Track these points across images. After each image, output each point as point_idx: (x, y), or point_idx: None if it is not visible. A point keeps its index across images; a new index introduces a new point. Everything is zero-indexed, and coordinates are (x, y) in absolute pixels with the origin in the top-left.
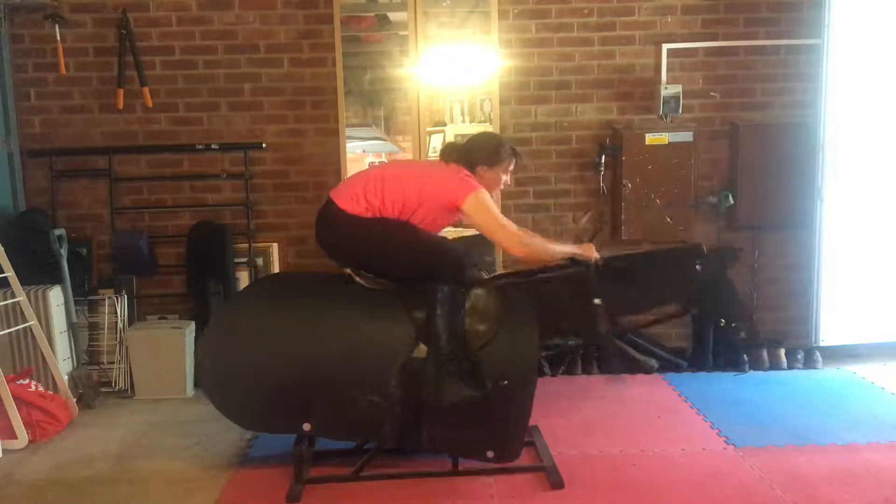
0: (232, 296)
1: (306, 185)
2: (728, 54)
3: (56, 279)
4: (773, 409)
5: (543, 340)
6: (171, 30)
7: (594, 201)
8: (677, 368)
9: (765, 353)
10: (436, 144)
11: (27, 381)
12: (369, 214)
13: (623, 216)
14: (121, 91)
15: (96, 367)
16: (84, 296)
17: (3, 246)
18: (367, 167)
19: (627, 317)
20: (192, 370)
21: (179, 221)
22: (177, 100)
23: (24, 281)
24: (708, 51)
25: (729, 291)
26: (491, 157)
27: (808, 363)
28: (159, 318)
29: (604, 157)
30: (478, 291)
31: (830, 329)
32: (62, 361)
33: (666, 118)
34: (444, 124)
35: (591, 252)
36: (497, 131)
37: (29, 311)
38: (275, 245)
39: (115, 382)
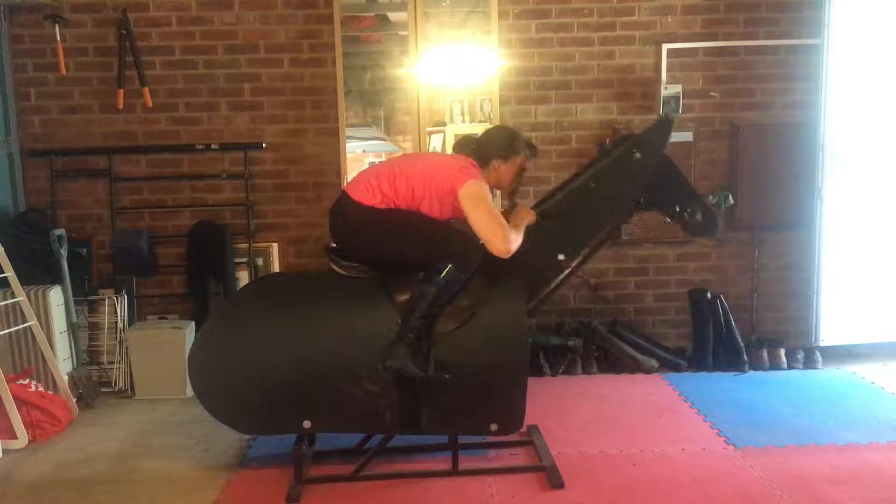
0: (227, 300)
1: (306, 185)
2: (728, 54)
3: (56, 279)
4: (773, 409)
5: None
6: (171, 30)
7: None
8: (677, 368)
9: (765, 353)
10: (436, 144)
11: (27, 381)
12: (384, 205)
13: None
14: (121, 91)
15: (96, 367)
16: (84, 296)
17: (3, 246)
18: (367, 166)
19: (597, 237)
20: None
21: (179, 221)
22: (177, 100)
23: (24, 281)
24: (708, 51)
25: (675, 174)
26: (505, 150)
27: (808, 363)
28: (159, 318)
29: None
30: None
31: (830, 329)
32: (62, 361)
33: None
34: (444, 124)
35: (530, 214)
36: (512, 127)
37: (29, 311)
38: (275, 245)
39: (115, 382)
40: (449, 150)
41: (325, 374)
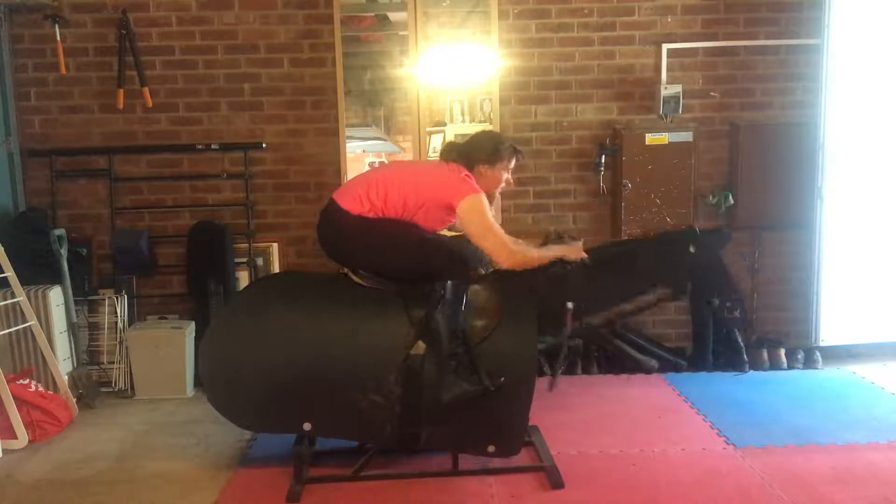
0: (232, 297)
1: (306, 185)
2: (728, 54)
3: (56, 279)
4: (773, 409)
5: (545, 333)
6: (171, 30)
7: (594, 201)
8: (677, 368)
9: (765, 353)
10: (436, 144)
11: (27, 381)
12: (372, 215)
13: (623, 216)
14: (121, 91)
15: (96, 367)
16: (84, 296)
17: (3, 246)
18: (367, 167)
19: (618, 305)
20: (192, 370)
21: (179, 221)
22: (177, 100)
23: (24, 281)
24: (708, 51)
25: (721, 270)
26: (491, 156)
27: (808, 363)
28: (159, 318)
29: (604, 157)
30: (477, 287)
31: (830, 329)
32: (62, 361)
33: (666, 118)
34: (444, 124)
35: (578, 252)
36: (497, 131)
37: (29, 311)
38: (275, 245)
39: (115, 382)
40: None
41: (331, 379)
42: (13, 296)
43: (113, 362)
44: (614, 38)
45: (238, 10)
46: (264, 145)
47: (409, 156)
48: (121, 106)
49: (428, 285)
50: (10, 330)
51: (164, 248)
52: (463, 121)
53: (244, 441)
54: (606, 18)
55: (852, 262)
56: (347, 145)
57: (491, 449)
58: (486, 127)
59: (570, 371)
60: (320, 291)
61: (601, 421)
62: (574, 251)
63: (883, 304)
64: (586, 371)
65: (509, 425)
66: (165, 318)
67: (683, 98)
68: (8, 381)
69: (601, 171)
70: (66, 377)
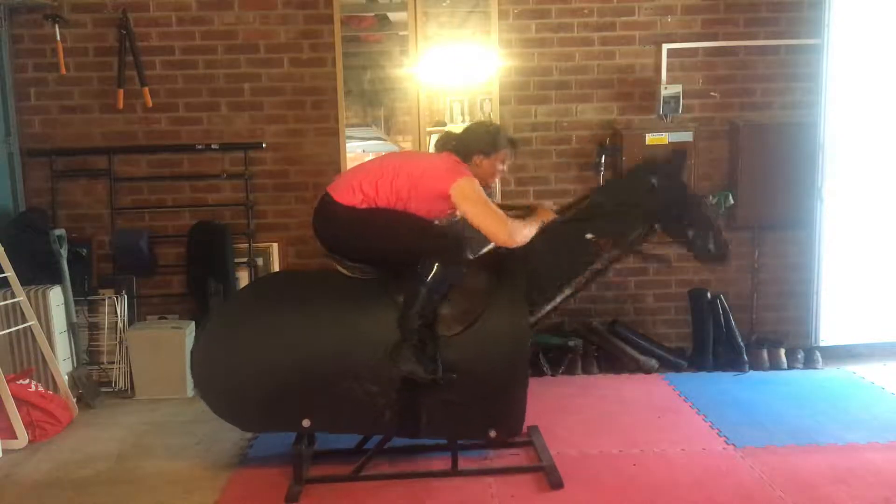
0: (230, 297)
1: (306, 185)
2: (728, 54)
3: (56, 279)
4: (773, 409)
5: (543, 303)
6: (171, 30)
7: None
8: (677, 368)
9: (765, 353)
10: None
11: (27, 381)
12: (365, 205)
13: None
14: (121, 91)
15: (96, 367)
16: (84, 296)
17: (3, 246)
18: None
19: (601, 253)
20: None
21: (179, 221)
22: (177, 100)
23: (24, 281)
24: (708, 51)
25: (690, 199)
26: (487, 146)
27: (808, 363)
28: (159, 318)
29: (604, 157)
30: (467, 270)
31: (830, 329)
32: (62, 361)
33: (666, 118)
34: (444, 124)
35: (548, 213)
36: (492, 122)
37: (29, 311)
38: (275, 245)
39: (115, 382)
40: None
41: (326, 373)
42: (13, 296)
43: (113, 362)
44: (614, 38)
45: (238, 10)
46: (264, 145)
47: None
48: (121, 106)
49: (414, 267)
50: (10, 330)
51: (164, 248)
52: (463, 121)
53: (244, 441)
54: (606, 18)
55: (852, 262)
56: (347, 145)
57: (492, 433)
58: None
59: (570, 371)
60: (310, 287)
61: (601, 421)
62: (543, 214)
63: (883, 304)
64: (586, 371)
65: (509, 409)
66: (165, 318)
67: (683, 98)
68: (8, 381)
69: (601, 171)
70: (66, 377)
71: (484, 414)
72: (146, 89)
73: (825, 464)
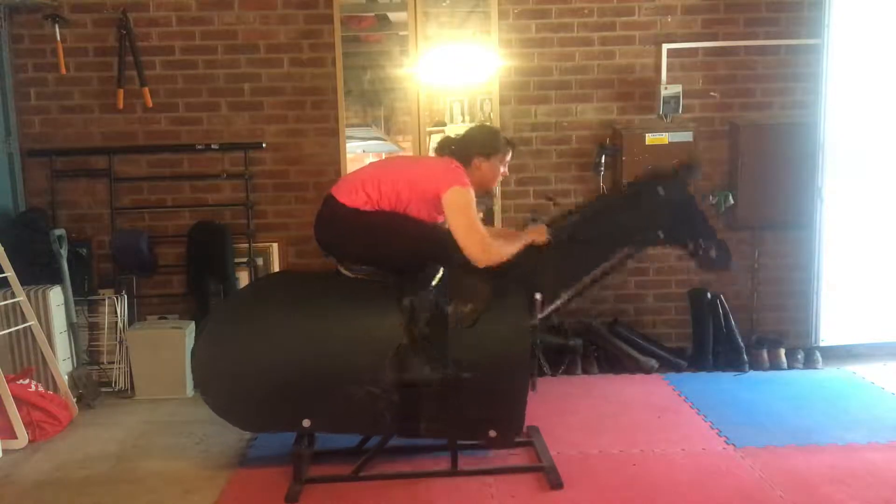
0: (232, 296)
1: (306, 185)
2: (728, 54)
3: (56, 279)
4: (773, 409)
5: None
6: (171, 30)
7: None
8: (677, 368)
9: (765, 353)
10: (435, 145)
11: (27, 381)
12: (368, 207)
13: None
14: (121, 91)
15: (96, 367)
16: (84, 296)
17: (3, 246)
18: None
19: (608, 260)
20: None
21: (179, 221)
22: (177, 100)
23: (24, 281)
24: (708, 51)
25: (694, 210)
26: (487, 148)
27: (808, 363)
28: (159, 318)
29: (604, 157)
30: (464, 271)
31: (830, 329)
32: (62, 361)
33: (666, 118)
34: (444, 124)
35: (542, 234)
36: (491, 125)
37: (29, 311)
38: (275, 245)
39: (115, 382)
40: None
41: (326, 373)
42: (13, 296)
43: (113, 362)
44: (614, 38)
45: (238, 10)
46: (264, 145)
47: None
48: (121, 106)
49: (421, 272)
50: (10, 330)
51: (164, 248)
52: (463, 121)
53: (244, 441)
54: (606, 18)
55: (852, 262)
56: (347, 145)
57: (492, 433)
58: None
59: (570, 371)
60: (311, 288)
61: (601, 421)
62: (536, 234)
63: (883, 304)
64: (586, 371)
65: (509, 408)
66: (165, 318)
67: (683, 98)
68: (8, 381)
69: (601, 171)
70: (66, 377)
71: (484, 416)
72: (146, 89)
73: (825, 464)
